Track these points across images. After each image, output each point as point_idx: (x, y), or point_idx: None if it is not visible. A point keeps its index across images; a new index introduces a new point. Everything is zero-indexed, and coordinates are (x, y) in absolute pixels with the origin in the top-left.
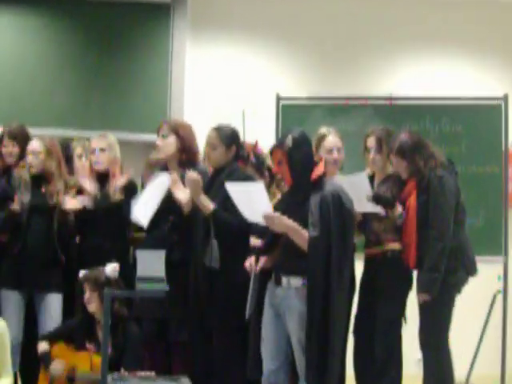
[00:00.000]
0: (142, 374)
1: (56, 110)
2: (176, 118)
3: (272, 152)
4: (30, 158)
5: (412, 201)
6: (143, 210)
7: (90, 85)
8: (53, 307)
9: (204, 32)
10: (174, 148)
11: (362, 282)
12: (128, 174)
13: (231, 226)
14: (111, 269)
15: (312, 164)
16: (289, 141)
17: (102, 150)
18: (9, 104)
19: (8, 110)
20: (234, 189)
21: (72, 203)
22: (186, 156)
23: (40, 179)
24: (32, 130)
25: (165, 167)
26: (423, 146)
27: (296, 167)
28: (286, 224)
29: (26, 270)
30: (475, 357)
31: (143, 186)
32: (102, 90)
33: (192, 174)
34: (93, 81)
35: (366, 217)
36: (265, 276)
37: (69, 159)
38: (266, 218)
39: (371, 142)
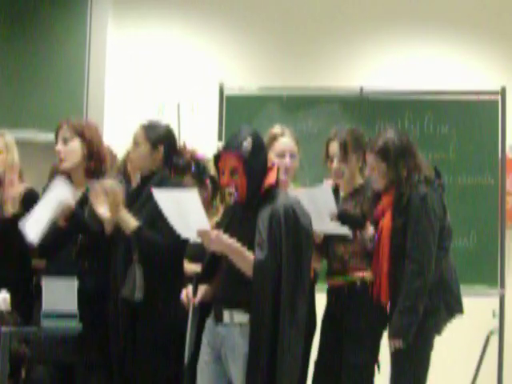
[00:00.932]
0: None
1: None
2: (93, 116)
3: (219, 158)
4: None
5: (386, 221)
6: (34, 226)
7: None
8: None
9: (129, 8)
10: (80, 154)
11: (325, 318)
12: (25, 183)
13: (158, 247)
14: (1, 299)
15: (265, 172)
16: (248, 144)
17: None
18: None
19: None
20: (163, 196)
21: None
22: (94, 164)
23: None
24: None
25: (68, 178)
26: (411, 153)
27: (255, 178)
28: (226, 243)
29: None
30: None
31: None
32: (3, 81)
33: (109, 183)
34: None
35: (329, 239)
36: (203, 310)
37: None
38: (201, 234)
39: (335, 147)
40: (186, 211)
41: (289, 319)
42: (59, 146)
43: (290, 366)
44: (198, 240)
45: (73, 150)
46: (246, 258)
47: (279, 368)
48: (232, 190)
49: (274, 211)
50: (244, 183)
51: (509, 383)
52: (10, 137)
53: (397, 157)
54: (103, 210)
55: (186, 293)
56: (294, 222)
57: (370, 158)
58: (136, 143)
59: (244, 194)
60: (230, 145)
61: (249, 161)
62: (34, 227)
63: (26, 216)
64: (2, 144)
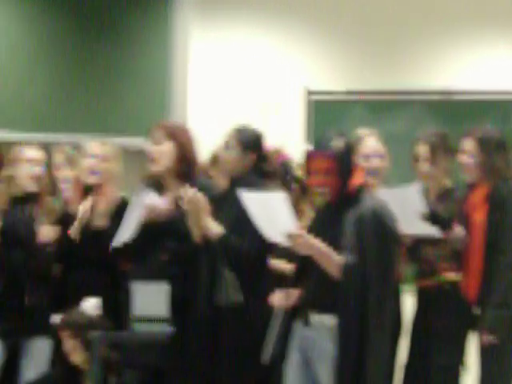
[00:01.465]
0: None
1: (31, 110)
2: (177, 118)
3: (310, 159)
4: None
5: (478, 217)
6: (121, 234)
7: (73, 79)
8: (37, 353)
9: (213, 12)
10: (172, 157)
11: (414, 320)
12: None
13: (244, 254)
14: (91, 305)
15: (348, 174)
16: (340, 145)
17: (98, 157)
18: None
19: None
20: (251, 199)
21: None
22: (186, 167)
23: None
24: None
25: (157, 182)
26: (506, 148)
27: (346, 178)
28: (313, 245)
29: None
30: None
31: None
32: (86, 85)
33: (191, 192)
34: (76, 74)
35: (418, 240)
36: (288, 313)
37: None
38: (289, 236)
39: (422, 149)
40: (273, 213)
41: (376, 323)
42: (151, 148)
43: (377, 369)
44: (286, 243)
45: (165, 152)
46: (333, 261)
47: (367, 371)
48: (323, 190)
49: (362, 215)
50: (337, 184)
51: None
52: (113, 146)
53: (496, 148)
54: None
55: (278, 297)
56: (381, 227)
57: (469, 145)
58: (227, 146)
59: (336, 195)
60: (323, 146)
61: (341, 162)
62: (121, 233)
63: (116, 228)
64: (105, 152)
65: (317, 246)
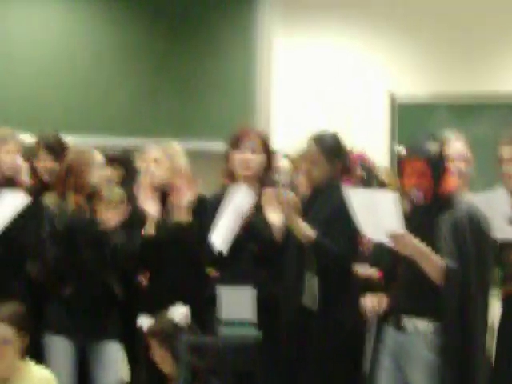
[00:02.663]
0: None
1: (116, 115)
2: (260, 124)
3: (404, 161)
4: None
5: None
6: (221, 234)
7: (157, 85)
8: (109, 358)
9: (297, 17)
10: (262, 167)
11: (501, 326)
12: (195, 189)
13: (335, 257)
14: (180, 314)
15: (442, 174)
16: (435, 148)
17: (157, 160)
18: (59, 109)
19: (58, 117)
20: (357, 196)
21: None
22: (269, 174)
23: None
24: (87, 140)
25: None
26: None
27: (440, 181)
28: (416, 246)
29: (77, 315)
30: None
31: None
32: (171, 90)
33: (290, 193)
34: (159, 80)
35: (504, 245)
36: (380, 318)
37: (132, 173)
38: (394, 236)
39: (507, 150)
40: (378, 212)
41: (480, 328)
42: (248, 156)
43: (481, 372)
44: (388, 242)
45: (259, 163)
46: (435, 264)
47: (472, 374)
48: (417, 192)
49: (459, 219)
50: (432, 186)
51: None
52: (174, 145)
53: None
54: (275, 218)
55: (372, 303)
56: (479, 232)
57: None
58: (312, 161)
59: (430, 197)
60: (417, 149)
61: (435, 165)
62: (220, 236)
63: (197, 224)
64: (162, 153)
65: (419, 248)
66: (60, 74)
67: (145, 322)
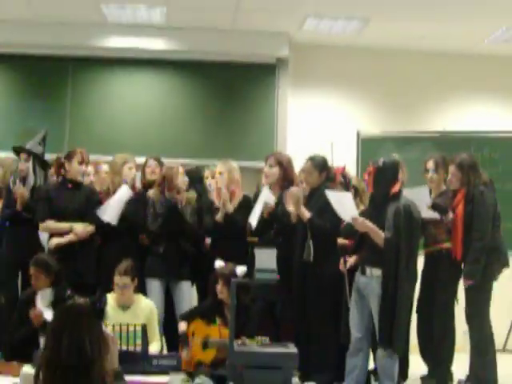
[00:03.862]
0: (257, 339)
1: (191, 144)
2: (280, 150)
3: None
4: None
5: (460, 209)
6: (254, 218)
7: (216, 126)
8: (185, 291)
9: (302, 85)
10: (277, 176)
11: (423, 273)
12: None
13: (324, 230)
14: (240, 271)
15: (392, 181)
16: (380, 163)
17: (221, 173)
18: (158, 140)
19: (157, 145)
20: (332, 194)
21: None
22: (286, 182)
23: None
24: (174, 160)
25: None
26: (477, 167)
27: (384, 185)
28: (368, 226)
29: (166, 264)
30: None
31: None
32: (224, 130)
33: (294, 189)
34: (217, 123)
35: (425, 221)
36: (353, 270)
37: (200, 181)
38: (354, 219)
39: (430, 164)
40: (344, 205)
41: (404, 275)
42: (266, 169)
43: (405, 301)
44: (352, 223)
45: (273, 173)
46: (380, 235)
47: (399, 303)
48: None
49: (398, 207)
50: (371, 182)
51: None
52: (232, 163)
53: (468, 168)
54: (291, 208)
55: (342, 261)
56: (409, 217)
57: (452, 169)
58: (308, 172)
59: (370, 189)
60: (373, 162)
61: (378, 171)
62: (253, 219)
63: (244, 214)
64: (225, 168)
65: (370, 226)
66: (155, 118)
67: (217, 264)
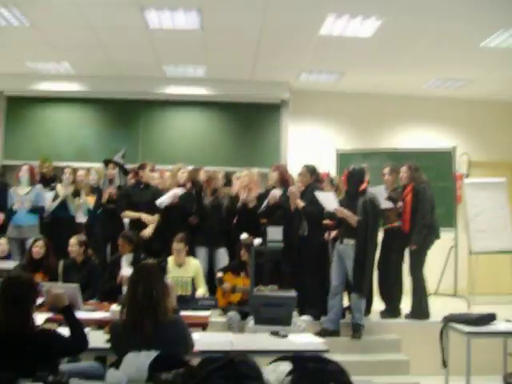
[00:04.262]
0: (269, 287)
1: (223, 157)
2: (283, 162)
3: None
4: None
5: (408, 199)
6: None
7: (239, 145)
8: (223, 255)
9: (298, 117)
10: (276, 178)
11: (382, 242)
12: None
13: (313, 214)
14: (257, 241)
15: (360, 181)
16: (351, 169)
17: (245, 175)
18: (202, 154)
19: (201, 157)
20: (320, 194)
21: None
22: (284, 182)
23: None
24: (215, 167)
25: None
26: (419, 170)
27: (355, 184)
28: (345, 213)
29: (209, 237)
30: (441, 278)
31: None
32: (245, 148)
33: (293, 188)
34: (240, 143)
35: (383, 209)
36: (334, 240)
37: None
38: (336, 210)
39: (386, 170)
40: (328, 200)
41: (370, 243)
42: (269, 174)
43: (370, 261)
44: (333, 211)
45: (273, 176)
46: (354, 219)
47: (366, 260)
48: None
49: (366, 200)
50: (345, 182)
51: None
52: (253, 170)
53: (414, 169)
54: (296, 202)
55: (327, 234)
56: (374, 205)
57: (404, 169)
58: (303, 175)
59: (345, 187)
60: (347, 168)
61: (350, 174)
62: (263, 207)
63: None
64: (247, 172)
65: (346, 213)
66: (199, 140)
67: (242, 236)
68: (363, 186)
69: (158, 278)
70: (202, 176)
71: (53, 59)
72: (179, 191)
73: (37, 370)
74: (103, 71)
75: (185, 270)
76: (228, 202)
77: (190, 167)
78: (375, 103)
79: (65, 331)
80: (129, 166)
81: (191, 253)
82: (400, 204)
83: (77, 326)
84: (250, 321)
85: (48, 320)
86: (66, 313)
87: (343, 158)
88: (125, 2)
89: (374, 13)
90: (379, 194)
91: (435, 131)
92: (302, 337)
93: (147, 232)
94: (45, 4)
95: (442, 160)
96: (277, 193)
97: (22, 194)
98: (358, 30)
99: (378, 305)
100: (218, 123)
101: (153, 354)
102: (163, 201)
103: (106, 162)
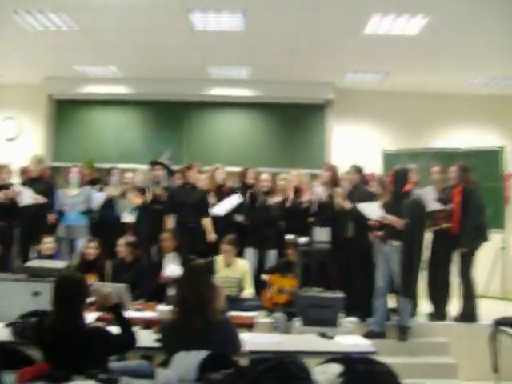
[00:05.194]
0: (317, 289)
1: (269, 158)
2: (329, 162)
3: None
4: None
5: (457, 200)
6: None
7: (285, 146)
8: (273, 255)
9: (343, 118)
10: (328, 178)
11: (432, 243)
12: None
13: (360, 215)
14: (303, 240)
15: (404, 182)
16: (398, 168)
17: (294, 175)
18: (245, 155)
19: (245, 158)
20: (363, 205)
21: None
22: (334, 181)
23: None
24: (260, 168)
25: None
26: (468, 170)
27: (400, 184)
28: (391, 219)
29: (258, 238)
30: (489, 280)
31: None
32: (291, 148)
33: (339, 189)
34: (286, 144)
35: (431, 211)
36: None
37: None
38: (382, 218)
39: (435, 170)
40: (374, 209)
41: (416, 246)
42: (322, 172)
43: (417, 264)
44: (379, 218)
45: (326, 175)
46: (397, 222)
47: (414, 262)
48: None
49: (412, 201)
50: (391, 182)
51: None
52: (301, 170)
53: (463, 171)
54: (338, 201)
55: (372, 235)
56: (421, 206)
57: (453, 169)
58: (350, 175)
59: (390, 187)
60: (395, 168)
61: (395, 174)
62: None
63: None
64: (296, 173)
65: (392, 219)
66: (243, 141)
67: (288, 237)
68: (408, 187)
69: (207, 278)
70: (249, 177)
71: (100, 63)
72: (235, 200)
73: (87, 368)
74: (148, 74)
75: (232, 270)
76: (276, 203)
77: (228, 168)
78: (421, 102)
79: (114, 330)
80: (173, 168)
81: (240, 254)
82: (451, 206)
83: (125, 324)
84: (297, 322)
85: (98, 319)
86: (114, 311)
87: (389, 158)
88: (171, 5)
89: (421, 11)
90: (428, 194)
91: (483, 130)
92: (349, 338)
93: (213, 236)
94: (94, 9)
95: (490, 159)
96: (319, 190)
97: (71, 196)
98: (403, 28)
99: (425, 307)
100: (262, 124)
101: (202, 353)
102: (220, 211)
103: (153, 164)
